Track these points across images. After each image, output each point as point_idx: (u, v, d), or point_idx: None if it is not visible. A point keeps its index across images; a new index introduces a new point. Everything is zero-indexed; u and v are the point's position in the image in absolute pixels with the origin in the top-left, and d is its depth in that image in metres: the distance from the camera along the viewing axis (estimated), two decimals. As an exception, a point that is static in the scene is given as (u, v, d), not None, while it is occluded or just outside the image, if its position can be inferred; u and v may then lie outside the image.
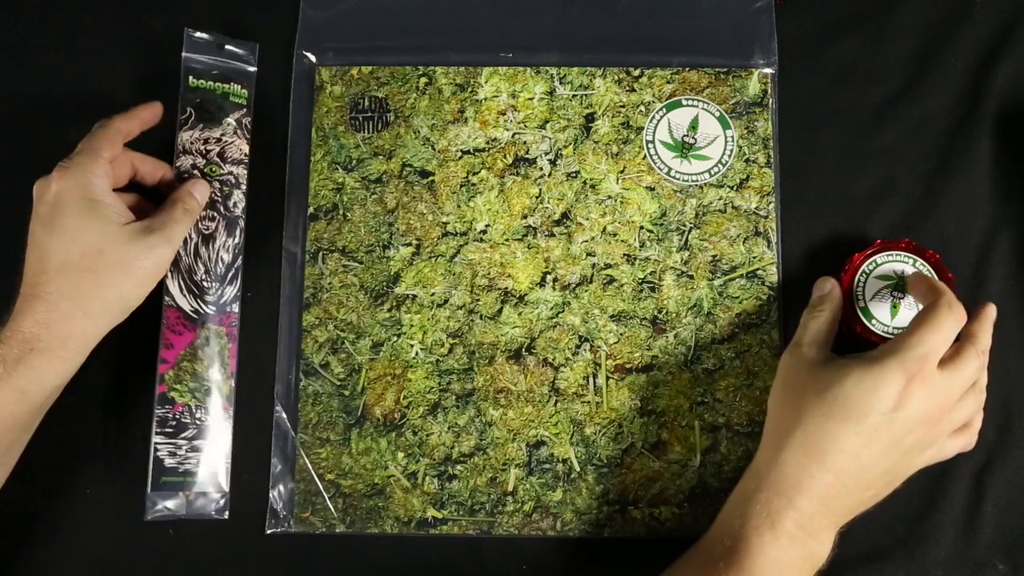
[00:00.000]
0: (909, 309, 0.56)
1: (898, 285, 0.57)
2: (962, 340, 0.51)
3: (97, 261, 0.50)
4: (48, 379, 0.49)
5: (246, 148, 0.61)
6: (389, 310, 0.59)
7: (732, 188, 0.61)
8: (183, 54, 0.61)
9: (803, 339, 0.53)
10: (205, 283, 0.58)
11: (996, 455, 0.58)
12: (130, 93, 0.62)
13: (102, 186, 0.52)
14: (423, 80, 0.62)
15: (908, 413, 0.47)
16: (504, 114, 0.62)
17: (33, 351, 0.49)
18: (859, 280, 0.57)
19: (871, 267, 0.57)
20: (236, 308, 0.59)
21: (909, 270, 0.57)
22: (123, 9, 0.64)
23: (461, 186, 0.61)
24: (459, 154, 0.61)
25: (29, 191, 0.62)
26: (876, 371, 0.47)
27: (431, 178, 0.61)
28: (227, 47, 0.61)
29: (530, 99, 0.62)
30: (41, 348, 0.49)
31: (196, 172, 0.59)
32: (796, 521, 0.47)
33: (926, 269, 0.57)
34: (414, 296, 0.59)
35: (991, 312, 0.54)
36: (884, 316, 0.56)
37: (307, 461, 0.58)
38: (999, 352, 0.59)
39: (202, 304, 0.58)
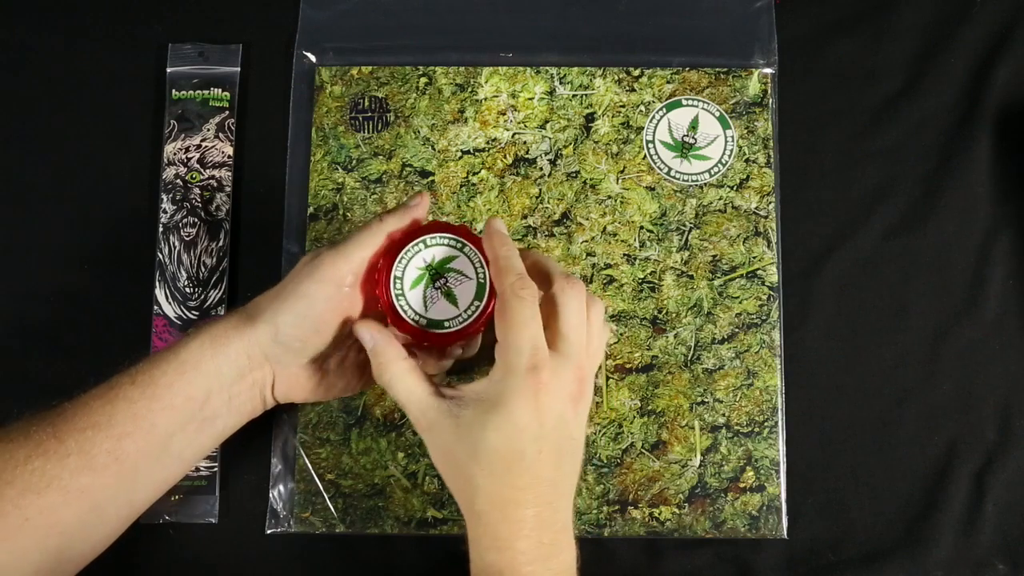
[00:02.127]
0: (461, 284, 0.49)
1: (436, 274, 0.49)
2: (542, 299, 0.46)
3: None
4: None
5: (229, 150, 0.61)
6: (389, 310, 0.59)
7: (732, 188, 0.61)
8: (168, 69, 0.62)
9: (409, 410, 0.47)
10: (187, 289, 0.58)
11: (996, 455, 0.58)
12: (127, 97, 0.63)
13: (343, 277, 0.48)
14: (423, 80, 0.62)
15: (554, 415, 0.45)
16: (504, 114, 0.62)
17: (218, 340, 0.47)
18: (395, 287, 0.48)
19: (401, 268, 0.48)
20: (222, 311, 0.59)
21: (443, 253, 0.48)
22: (122, 12, 0.64)
23: (461, 186, 0.61)
24: (459, 154, 0.61)
25: (28, 191, 0.62)
26: (505, 414, 0.44)
27: (431, 178, 0.61)
28: (209, 53, 0.62)
29: (530, 99, 0.62)
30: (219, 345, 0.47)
31: (179, 183, 0.59)
32: (526, 560, 0.45)
33: (469, 252, 0.49)
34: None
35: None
36: (443, 311, 0.48)
37: (307, 461, 0.58)
38: (999, 352, 0.59)
39: (185, 310, 0.58)
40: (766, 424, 0.58)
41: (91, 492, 0.46)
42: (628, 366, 0.59)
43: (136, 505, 0.49)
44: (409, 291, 0.48)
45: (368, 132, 0.61)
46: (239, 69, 0.62)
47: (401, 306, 0.48)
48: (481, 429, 0.44)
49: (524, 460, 0.45)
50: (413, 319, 0.48)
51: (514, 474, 0.45)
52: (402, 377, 0.47)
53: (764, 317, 0.59)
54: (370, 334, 0.47)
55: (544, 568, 0.46)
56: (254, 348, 0.48)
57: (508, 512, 0.45)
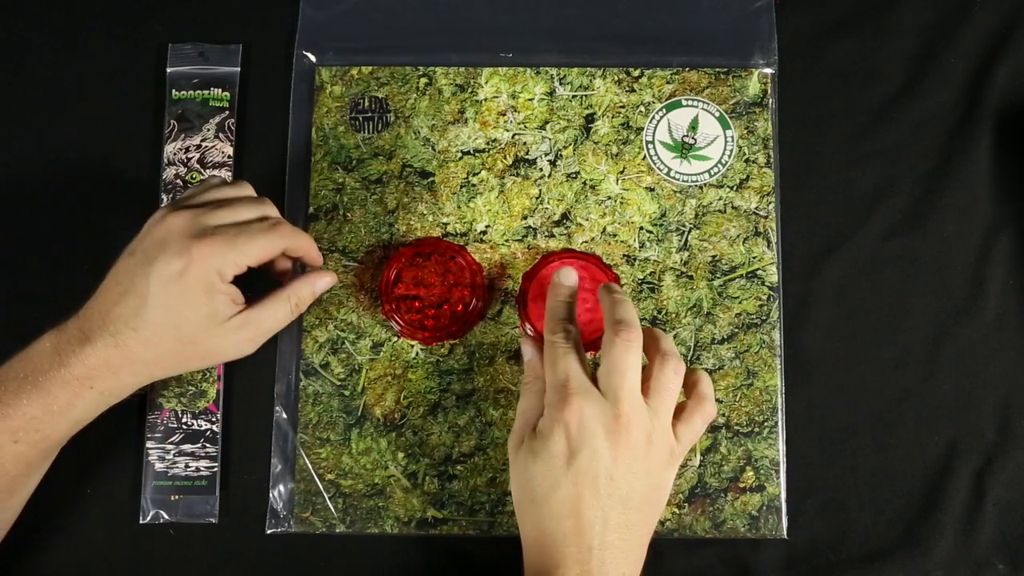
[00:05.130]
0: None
1: None
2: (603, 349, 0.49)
3: (186, 347, 0.50)
4: (94, 411, 0.51)
5: (229, 150, 0.61)
6: (389, 310, 0.59)
7: (732, 188, 0.61)
8: (167, 69, 0.62)
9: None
10: None
11: (996, 455, 0.58)
12: (127, 97, 0.63)
13: (228, 277, 0.50)
14: (423, 80, 0.62)
15: (587, 446, 0.46)
16: (504, 115, 0.62)
17: (92, 390, 0.49)
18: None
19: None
20: None
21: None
22: (122, 12, 0.64)
23: (461, 187, 0.61)
24: (459, 155, 0.61)
25: (28, 191, 0.62)
26: (542, 440, 0.47)
27: (431, 179, 0.61)
28: (209, 53, 0.62)
29: (530, 100, 0.62)
30: (99, 389, 0.49)
31: (179, 183, 0.59)
32: None
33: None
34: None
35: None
36: None
37: (307, 461, 0.58)
38: (999, 352, 0.59)
39: None
40: (766, 424, 0.58)
41: None
42: (628, 366, 0.59)
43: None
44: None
45: (368, 132, 0.62)
46: (239, 69, 0.62)
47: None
48: (525, 459, 0.48)
49: (559, 490, 0.46)
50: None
51: (551, 505, 0.46)
52: (532, 408, 0.50)
53: (764, 317, 0.59)
54: (531, 352, 0.53)
55: None
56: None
57: (547, 548, 0.46)
